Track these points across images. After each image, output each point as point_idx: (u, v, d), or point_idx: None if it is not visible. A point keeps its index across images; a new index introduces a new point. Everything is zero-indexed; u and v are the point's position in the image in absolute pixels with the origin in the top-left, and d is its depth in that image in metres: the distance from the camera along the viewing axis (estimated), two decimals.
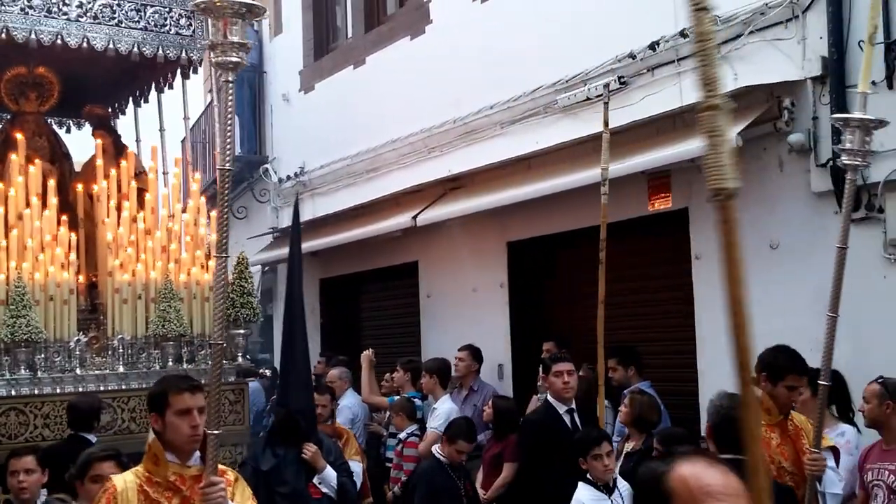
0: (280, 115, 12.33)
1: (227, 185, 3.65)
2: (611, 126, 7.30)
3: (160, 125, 8.80)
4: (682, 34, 6.70)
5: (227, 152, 3.64)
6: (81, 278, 7.37)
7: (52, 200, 7.17)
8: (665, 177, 7.21)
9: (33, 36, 7.04)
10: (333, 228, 10.83)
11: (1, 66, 7.97)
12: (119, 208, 7.31)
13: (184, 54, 7.63)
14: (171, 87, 8.44)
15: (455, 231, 9.55)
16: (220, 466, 3.72)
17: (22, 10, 7.01)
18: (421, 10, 9.70)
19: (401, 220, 9.59)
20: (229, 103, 3.59)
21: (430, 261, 10.14)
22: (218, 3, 3.44)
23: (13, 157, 7.17)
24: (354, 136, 10.33)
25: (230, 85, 3.59)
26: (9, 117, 8.45)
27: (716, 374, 6.94)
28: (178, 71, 8.07)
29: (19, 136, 7.40)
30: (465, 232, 9.45)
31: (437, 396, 7.92)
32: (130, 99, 8.94)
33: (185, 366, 7.13)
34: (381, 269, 10.90)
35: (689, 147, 6.62)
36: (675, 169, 7.03)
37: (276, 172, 12.21)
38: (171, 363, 7.10)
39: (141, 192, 7.53)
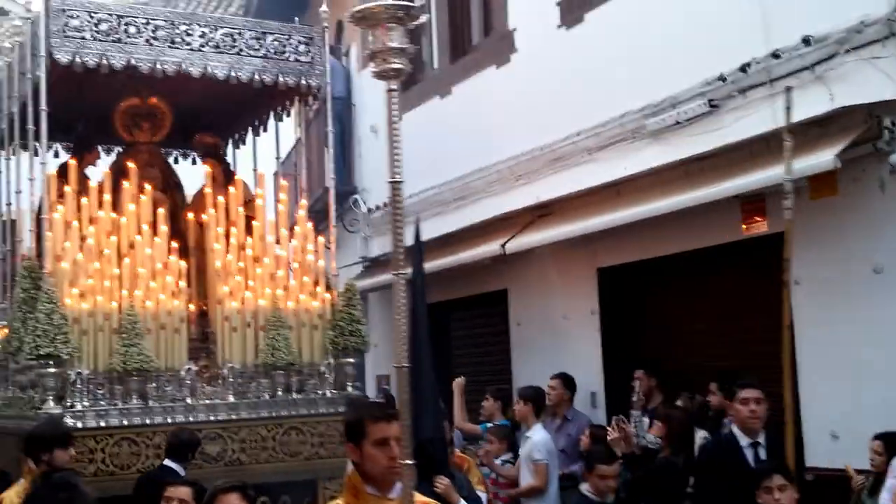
0: (369, 147, 12.47)
1: (399, 198, 3.47)
2: (701, 150, 7.26)
3: (276, 153, 8.88)
4: (774, 55, 6.57)
5: (396, 165, 3.48)
6: (192, 307, 7.39)
7: (163, 228, 7.21)
8: (759, 200, 7.06)
9: (158, 66, 7.13)
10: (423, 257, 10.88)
11: (115, 97, 8.10)
12: (228, 236, 7.33)
13: (303, 81, 7.62)
14: (288, 114, 8.49)
15: (545, 258, 9.51)
16: (423, 498, 3.55)
17: (147, 41, 7.09)
18: (506, 39, 9.73)
19: (490, 248, 9.58)
20: (394, 114, 3.44)
21: (519, 288, 10.10)
22: (374, 10, 3.33)
23: (125, 185, 7.27)
24: (442, 166, 10.38)
25: (394, 94, 3.45)
26: (122, 149, 8.60)
27: (818, 403, 6.75)
28: (297, 98, 8.12)
29: (132, 164, 7.50)
30: (554, 259, 9.40)
31: (529, 424, 7.85)
32: (250, 129, 9.04)
33: (293, 395, 7.08)
34: (471, 296, 10.90)
35: None
36: (769, 192, 6.88)
37: (365, 203, 12.34)
38: (280, 393, 7.06)
39: (249, 220, 7.55)
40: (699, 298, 8.18)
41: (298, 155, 9.12)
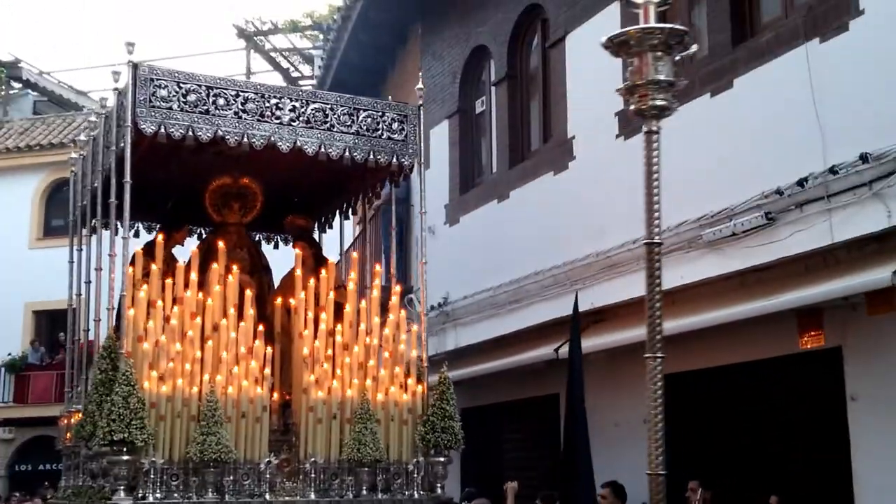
0: (425, 247, 12.62)
1: (656, 262, 2.95)
2: (757, 262, 7.28)
3: (366, 237, 8.63)
4: (832, 171, 6.62)
5: (655, 221, 2.98)
6: (275, 396, 6.98)
7: (249, 311, 6.81)
8: (817, 315, 7.03)
9: (245, 140, 6.87)
10: (476, 359, 10.91)
11: (206, 176, 7.91)
12: (316, 321, 6.93)
13: (395, 159, 7.33)
14: (377, 196, 8.25)
15: (598, 364, 9.47)
16: None
17: (235, 114, 6.85)
18: (564, 146, 9.91)
19: (543, 352, 9.59)
20: (654, 162, 2.78)
21: None
22: (637, 35, 2.64)
23: (214, 265, 6.92)
24: (497, 268, 10.49)
25: (655, 138, 2.79)
26: (211, 230, 8.41)
27: None
28: (388, 178, 7.84)
29: (221, 244, 7.20)
30: (607, 365, 9.36)
31: None
32: (338, 212, 8.88)
33: (379, 495, 6.60)
34: (523, 400, 10.86)
35: (843, 285, 6.49)
36: (827, 307, 6.85)
37: (420, 302, 12.44)
38: (364, 492, 6.58)
39: (339, 306, 7.15)
40: (755, 410, 8.07)
41: (388, 239, 8.91)
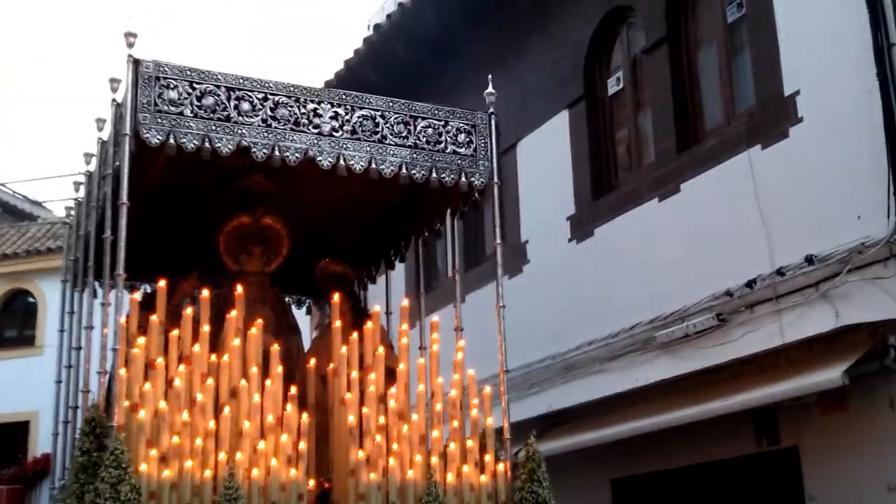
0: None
1: None
2: (709, 364, 7.34)
3: (417, 286, 7.55)
4: (779, 272, 6.76)
5: None
6: (311, 484, 5.58)
7: (277, 370, 5.55)
8: (772, 415, 7.07)
9: (276, 153, 5.63)
10: None
11: (223, 215, 6.71)
12: (362, 385, 5.74)
13: (462, 178, 6.16)
14: (438, 234, 7.12)
15: (557, 468, 9.36)
16: None
17: (263, 121, 5.66)
18: (517, 250, 10.02)
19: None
20: None
21: None
22: None
23: (232, 313, 5.75)
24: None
25: None
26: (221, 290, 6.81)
27: None
28: (455, 206, 6.70)
29: (239, 289, 5.95)
30: (567, 469, 9.26)
31: None
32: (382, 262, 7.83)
33: None
34: None
35: (795, 385, 6.55)
36: (781, 407, 6.90)
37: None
38: None
39: (388, 371, 6.02)
40: None
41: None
